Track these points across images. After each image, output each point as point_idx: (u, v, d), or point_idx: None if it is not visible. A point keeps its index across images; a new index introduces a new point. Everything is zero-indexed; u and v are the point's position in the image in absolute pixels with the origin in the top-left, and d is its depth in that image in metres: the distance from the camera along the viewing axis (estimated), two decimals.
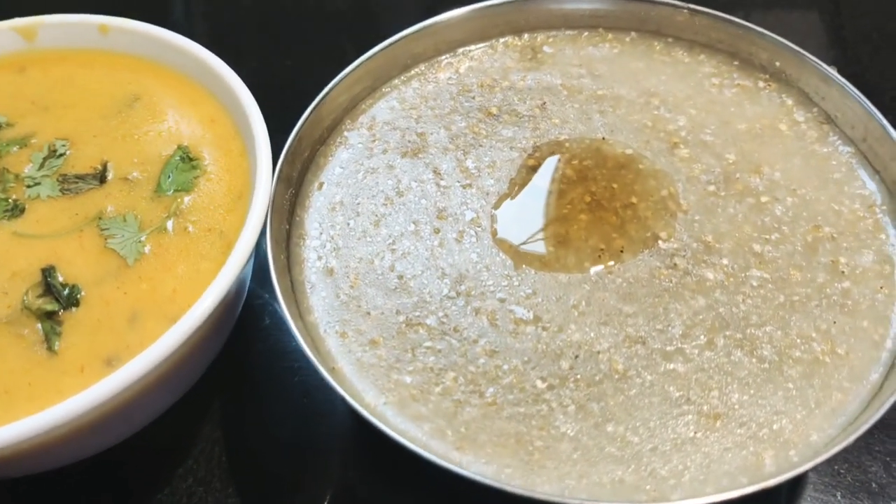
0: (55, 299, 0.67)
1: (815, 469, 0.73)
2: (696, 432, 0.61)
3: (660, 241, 0.72)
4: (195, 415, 0.79)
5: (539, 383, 0.64)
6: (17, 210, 0.73)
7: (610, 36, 0.89)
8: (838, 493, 0.73)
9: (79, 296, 0.67)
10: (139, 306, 0.67)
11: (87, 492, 0.75)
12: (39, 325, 0.66)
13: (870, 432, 0.62)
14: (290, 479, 0.76)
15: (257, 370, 0.83)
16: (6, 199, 0.74)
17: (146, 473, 0.77)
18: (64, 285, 0.68)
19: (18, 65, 0.86)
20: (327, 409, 0.79)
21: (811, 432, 0.61)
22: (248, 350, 0.84)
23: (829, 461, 0.72)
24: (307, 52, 1.16)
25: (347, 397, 0.60)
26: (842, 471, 0.74)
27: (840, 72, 0.79)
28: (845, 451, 0.70)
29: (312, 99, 0.79)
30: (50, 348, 0.65)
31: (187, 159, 0.76)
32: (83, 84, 0.84)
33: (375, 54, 0.83)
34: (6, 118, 0.81)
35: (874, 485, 0.73)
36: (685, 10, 0.85)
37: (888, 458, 0.74)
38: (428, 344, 0.67)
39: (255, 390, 0.82)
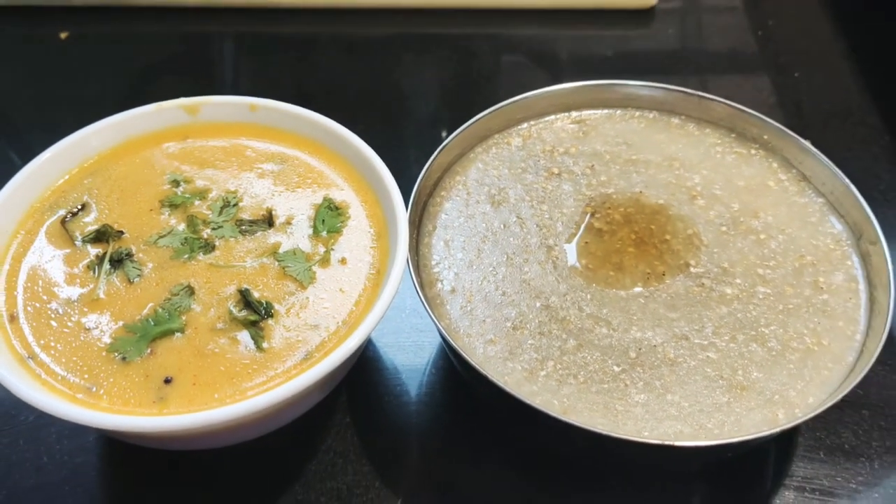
0: (255, 312, 0.90)
1: (803, 431, 0.99)
2: (729, 399, 0.87)
3: (690, 267, 0.98)
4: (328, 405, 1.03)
5: (615, 368, 0.90)
6: (209, 247, 0.97)
7: (637, 114, 1.17)
8: (821, 452, 0.99)
9: (272, 310, 0.91)
10: (318, 317, 0.91)
11: (258, 463, 0.98)
12: (247, 332, 0.89)
13: (840, 406, 0.90)
14: (412, 443, 1.00)
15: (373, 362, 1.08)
16: (199, 238, 0.97)
17: (300, 450, 1.00)
18: (259, 302, 0.91)
19: (183, 133, 1.10)
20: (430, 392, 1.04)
21: (808, 398, 0.87)
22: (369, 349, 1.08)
23: (812, 427, 1.00)
24: (407, 125, 1.46)
25: (492, 378, 0.85)
26: (822, 436, 1.00)
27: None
28: (824, 419, 0.98)
29: (414, 161, 1.05)
30: (259, 347, 0.88)
31: (334, 208, 1.01)
32: (240, 150, 1.08)
33: (464, 129, 1.09)
34: (183, 176, 1.04)
35: (847, 446, 0.99)
36: (695, 97, 1.14)
37: (855, 427, 1.01)
38: (531, 342, 0.92)
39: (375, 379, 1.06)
